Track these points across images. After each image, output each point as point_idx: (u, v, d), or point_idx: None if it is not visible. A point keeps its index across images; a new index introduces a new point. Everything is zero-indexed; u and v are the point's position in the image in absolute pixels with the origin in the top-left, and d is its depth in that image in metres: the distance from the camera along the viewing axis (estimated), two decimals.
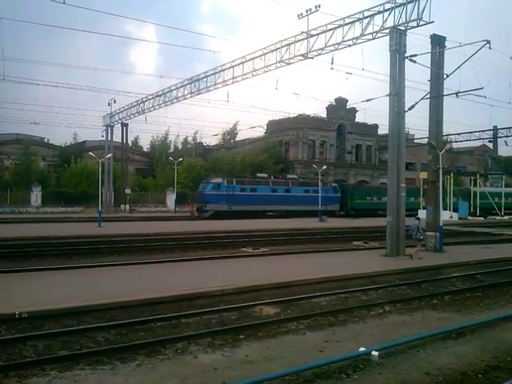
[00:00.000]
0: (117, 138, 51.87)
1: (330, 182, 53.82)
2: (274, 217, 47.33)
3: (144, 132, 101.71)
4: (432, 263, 17.82)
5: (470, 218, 48.71)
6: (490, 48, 17.78)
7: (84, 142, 67.62)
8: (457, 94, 18.98)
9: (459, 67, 18.49)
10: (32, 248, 20.38)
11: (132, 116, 43.81)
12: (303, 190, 49.31)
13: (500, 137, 63.08)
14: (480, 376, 7.25)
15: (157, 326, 9.60)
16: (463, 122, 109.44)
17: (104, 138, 50.09)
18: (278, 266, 16.98)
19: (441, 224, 21.17)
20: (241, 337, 8.96)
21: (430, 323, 10.20)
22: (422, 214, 39.78)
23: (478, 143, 75.35)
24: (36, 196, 49.75)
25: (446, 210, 47.34)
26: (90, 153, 39.89)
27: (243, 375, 6.94)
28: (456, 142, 59.32)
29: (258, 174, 50.14)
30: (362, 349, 7.79)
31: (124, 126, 48.07)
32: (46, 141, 69.09)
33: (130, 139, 68.50)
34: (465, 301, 12.60)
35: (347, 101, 67.83)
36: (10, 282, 13.06)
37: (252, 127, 75.07)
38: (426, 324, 10.14)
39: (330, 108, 67.81)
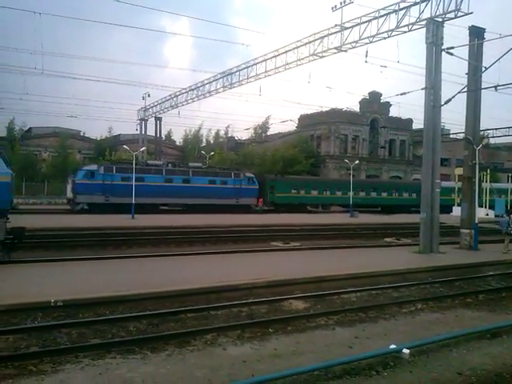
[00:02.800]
0: (151, 131, 52.73)
1: (244, 171, 47.85)
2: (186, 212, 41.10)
3: (177, 126, 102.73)
4: (466, 261, 17.42)
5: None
6: None
7: (119, 135, 68.99)
8: (496, 87, 18.38)
9: (499, 59, 17.88)
10: (66, 239, 20.87)
11: (165, 110, 44.34)
12: (208, 180, 42.58)
13: None
14: None
15: (187, 317, 9.70)
16: (502, 117, 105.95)
17: (138, 132, 50.89)
18: (308, 260, 16.93)
19: (476, 221, 20.61)
20: (270, 330, 8.96)
21: (464, 322, 9.96)
22: (456, 211, 38.92)
23: None
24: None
25: (482, 207, 46.23)
26: (125, 146, 40.52)
27: (272, 369, 6.95)
28: (494, 137, 57.58)
29: (150, 162, 44.31)
30: (392, 346, 7.66)
31: (158, 119, 48.72)
32: (82, 134, 70.82)
33: (164, 133, 69.54)
34: (500, 300, 12.26)
35: (381, 95, 66.90)
36: (46, 271, 13.43)
37: (283, 121, 75.17)
38: (459, 323, 9.91)
39: (363, 102, 66.93)
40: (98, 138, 68.44)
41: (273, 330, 8.97)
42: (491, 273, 15.99)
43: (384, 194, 53.40)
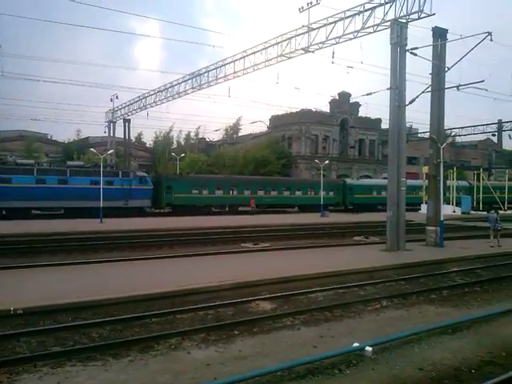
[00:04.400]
0: (120, 134, 51.99)
1: (135, 170, 44.24)
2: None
3: (148, 128, 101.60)
4: (431, 258, 17.75)
5: (472, 212, 48.45)
6: (491, 40, 17.59)
7: (87, 138, 67.81)
8: (458, 87, 18.79)
9: (460, 60, 18.32)
10: (26, 245, 20.39)
11: (134, 112, 43.90)
12: (90, 180, 37.59)
13: (504, 130, 62.74)
14: (473, 371, 7.19)
15: (152, 321, 9.58)
16: (468, 116, 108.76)
17: (107, 134, 50.14)
18: (275, 261, 17.00)
19: (441, 219, 21.04)
20: (235, 332, 8.93)
21: (427, 318, 10.13)
22: (424, 208, 39.69)
23: (483, 137, 75.07)
24: None
25: (449, 204, 47.27)
26: (92, 149, 39.85)
27: (235, 371, 6.91)
28: (460, 135, 59.12)
29: (19, 161, 39.76)
30: (355, 344, 7.74)
31: (126, 121, 48.11)
32: (49, 137, 69.33)
33: (134, 135, 68.69)
34: (463, 296, 12.52)
35: (350, 95, 67.66)
36: (5, 278, 13.05)
37: (253, 122, 75.10)
38: (422, 319, 10.07)
39: (333, 102, 67.70)
40: (66, 141, 67.09)
41: (238, 332, 8.94)
42: (455, 269, 16.31)
43: (298, 193, 51.12)
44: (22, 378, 6.68)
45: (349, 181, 55.42)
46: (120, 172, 39.20)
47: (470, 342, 8.60)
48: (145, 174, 42.90)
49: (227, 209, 46.85)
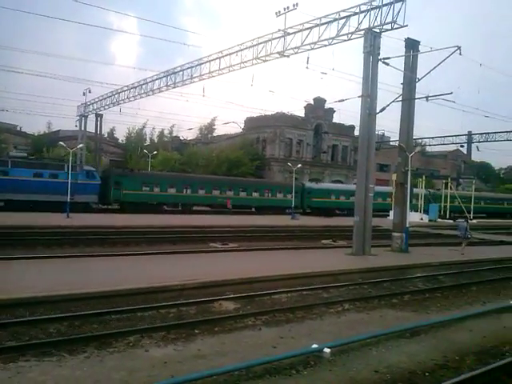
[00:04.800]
0: (92, 128, 51.14)
1: (82, 164, 42.85)
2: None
3: (120, 124, 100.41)
4: (396, 263, 18.06)
5: (439, 220, 49.53)
6: (460, 54, 18.07)
7: (58, 131, 66.51)
8: (427, 97, 19.23)
9: (430, 72, 18.78)
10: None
11: (107, 107, 43.14)
12: (33, 173, 36.04)
13: (473, 142, 64.37)
14: (427, 374, 7.35)
15: (112, 318, 9.47)
16: (439, 127, 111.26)
17: (78, 128, 49.23)
18: (243, 261, 17.04)
19: (407, 225, 21.44)
20: (196, 331, 8.90)
21: (387, 322, 10.30)
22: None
23: (452, 148, 76.86)
24: None
25: (417, 211, 48.21)
26: (61, 142, 39.05)
27: (193, 369, 6.89)
28: (430, 145, 60.43)
29: None
30: (314, 345, 7.82)
31: (98, 116, 47.24)
32: (18, 128, 67.75)
33: (106, 130, 67.81)
34: (423, 301, 12.77)
35: (325, 101, 68.22)
36: None
37: (226, 123, 75.13)
38: (382, 323, 10.23)
39: (308, 107, 68.17)
40: (37, 134, 65.69)
41: (199, 331, 8.92)
42: (418, 274, 16.65)
43: (256, 195, 49.88)
44: None
45: (307, 184, 54.54)
46: (66, 165, 37.11)
47: (427, 346, 8.77)
48: (92, 169, 41.34)
49: (180, 208, 45.42)
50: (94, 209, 40.09)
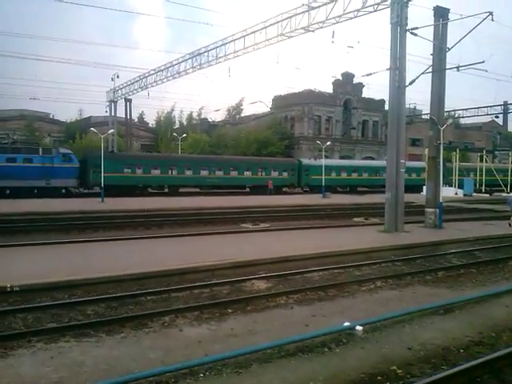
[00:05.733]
0: (122, 113, 51.78)
1: (58, 147, 41.64)
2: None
3: (148, 107, 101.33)
4: (430, 239, 17.77)
5: (475, 194, 48.37)
6: (492, 20, 17.33)
7: (89, 117, 67.75)
8: (458, 67, 18.59)
9: (461, 40, 18.10)
10: (30, 223, 20.60)
11: (135, 91, 43.68)
12: (6, 158, 34.91)
13: (509, 112, 62.26)
14: (462, 351, 7.26)
15: (147, 300, 9.69)
16: (473, 98, 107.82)
17: (108, 114, 50.00)
18: (275, 241, 17.07)
19: (441, 200, 21.01)
20: (229, 311, 9.03)
21: (420, 299, 10.18)
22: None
23: (487, 119, 74.47)
24: None
25: (452, 186, 47.18)
26: (93, 128, 39.72)
27: (226, 348, 7.02)
28: (463, 117, 58.69)
29: None
30: (346, 323, 7.83)
31: (127, 101, 47.92)
32: (51, 116, 69.24)
33: (136, 115, 68.57)
34: (458, 277, 12.56)
35: (354, 76, 67.03)
36: (2, 256, 13.20)
37: (253, 102, 74.53)
38: (415, 300, 10.13)
39: (336, 83, 67.13)
40: (68, 121, 67.03)
41: (231, 311, 9.05)
42: (453, 250, 16.35)
43: (248, 173, 47.75)
44: (16, 353, 6.80)
45: (305, 161, 51.99)
46: (40, 149, 36.57)
47: (461, 322, 8.66)
48: (69, 151, 39.83)
49: (166, 190, 43.96)
50: (74, 193, 38.95)
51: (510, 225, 21.25)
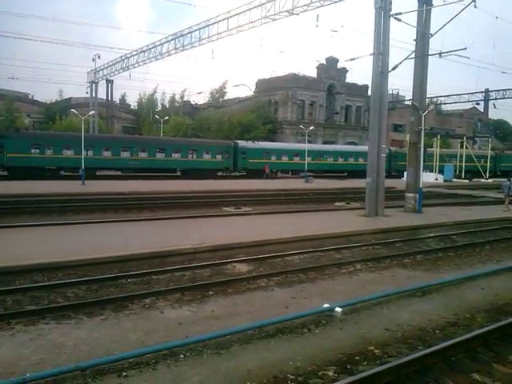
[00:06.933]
0: (103, 95, 51.01)
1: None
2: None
3: (130, 89, 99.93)
4: (409, 224, 18.04)
5: (455, 180, 49.08)
6: (475, 7, 17.41)
7: (69, 98, 66.52)
8: (440, 54, 18.69)
9: (444, 26, 18.18)
10: (10, 205, 20.30)
11: (117, 72, 43.07)
12: None
13: (490, 99, 62.95)
14: (437, 332, 7.44)
15: (127, 282, 9.68)
16: (454, 85, 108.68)
17: (89, 95, 49.21)
18: (256, 225, 17.13)
19: (421, 186, 21.27)
20: (210, 293, 9.08)
21: (399, 281, 10.37)
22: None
23: (468, 106, 75.23)
24: None
25: (432, 172, 47.76)
26: (73, 110, 39.09)
27: (207, 330, 7.07)
28: (445, 104, 59.24)
29: None
30: (325, 305, 7.95)
31: (109, 82, 47.23)
32: (30, 97, 67.86)
33: (117, 97, 67.56)
34: (436, 260, 12.80)
35: (338, 60, 66.80)
36: None
37: (236, 85, 74.06)
38: (394, 282, 10.32)
39: (320, 67, 67.00)
40: (48, 102, 65.77)
41: (212, 293, 9.10)
42: (431, 234, 16.63)
43: (176, 156, 43.94)
44: None
45: (241, 143, 48.63)
46: None
47: (438, 304, 8.86)
48: None
49: (81, 172, 38.18)
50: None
51: (504, 209, 22.36)
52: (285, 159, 49.64)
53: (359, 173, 50.43)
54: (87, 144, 38.37)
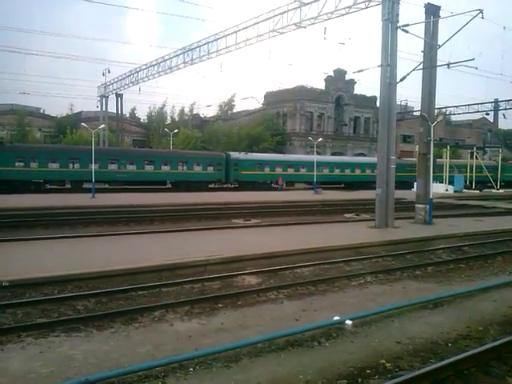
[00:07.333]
0: (113, 109, 51.56)
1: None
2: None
3: (140, 103, 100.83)
4: (419, 235, 17.87)
5: (465, 191, 48.74)
6: (482, 18, 17.43)
7: (80, 112, 67.27)
8: (448, 65, 18.69)
9: (451, 37, 18.19)
10: (21, 218, 20.49)
11: (126, 86, 43.51)
12: None
13: (499, 109, 62.63)
14: (450, 345, 7.34)
15: (137, 294, 9.68)
16: (464, 96, 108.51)
17: (99, 109, 49.73)
18: (266, 237, 17.09)
19: (431, 196, 21.15)
20: (219, 305, 9.04)
21: (410, 294, 10.26)
22: None
23: (478, 116, 74.96)
24: None
25: (442, 183, 47.51)
26: (83, 124, 39.50)
27: (216, 342, 7.05)
28: (454, 114, 58.99)
29: None
30: (336, 318, 7.88)
31: (119, 96, 47.67)
32: (41, 111, 68.73)
33: (127, 110, 68.20)
34: (447, 272, 12.66)
35: (346, 72, 67.01)
36: None
37: (244, 98, 74.54)
38: (405, 294, 10.21)
39: (328, 79, 67.31)
40: (59, 116, 66.54)
41: (222, 305, 9.06)
42: (442, 246, 16.47)
43: (166, 168, 43.16)
44: (5, 348, 6.77)
45: (234, 154, 47.59)
46: None
47: (450, 316, 8.74)
48: None
49: (69, 186, 39.77)
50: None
51: None
52: (279, 170, 48.62)
53: (355, 184, 50.24)
54: (73, 156, 38.51)
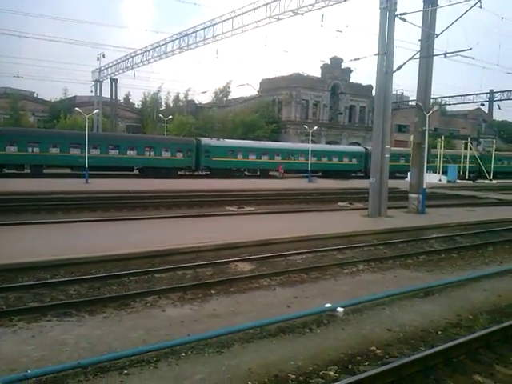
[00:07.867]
0: (108, 93, 51.15)
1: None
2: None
3: (135, 88, 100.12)
4: (412, 224, 17.99)
5: (459, 181, 48.94)
6: (480, 7, 17.35)
7: (74, 97, 66.70)
8: (445, 54, 18.63)
9: (449, 26, 18.11)
10: (14, 203, 20.38)
11: (121, 71, 43.10)
12: None
13: (495, 100, 62.76)
14: (439, 333, 7.42)
15: (130, 280, 9.69)
16: (459, 86, 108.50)
17: (93, 94, 49.31)
18: (259, 224, 17.13)
19: (424, 186, 21.22)
20: (212, 292, 9.08)
21: (401, 282, 10.35)
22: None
23: (473, 106, 75.07)
24: None
25: (436, 173, 47.66)
26: (77, 108, 39.18)
27: (208, 328, 7.07)
28: (449, 104, 59.04)
29: None
30: (327, 305, 7.93)
31: (113, 81, 47.29)
32: (35, 95, 68.10)
33: (122, 96, 67.68)
34: (439, 261, 12.75)
35: (342, 60, 66.79)
36: None
37: (240, 85, 73.98)
38: (396, 283, 10.30)
39: (324, 67, 66.92)
40: (53, 100, 65.97)
41: (214, 292, 9.09)
42: (434, 235, 16.57)
43: (132, 153, 41.06)
44: None
45: (205, 140, 45.74)
46: None
47: (440, 305, 8.83)
48: None
49: (29, 171, 37.61)
50: None
51: None
52: (252, 158, 47.26)
53: (331, 173, 49.75)
54: (33, 139, 36.88)
